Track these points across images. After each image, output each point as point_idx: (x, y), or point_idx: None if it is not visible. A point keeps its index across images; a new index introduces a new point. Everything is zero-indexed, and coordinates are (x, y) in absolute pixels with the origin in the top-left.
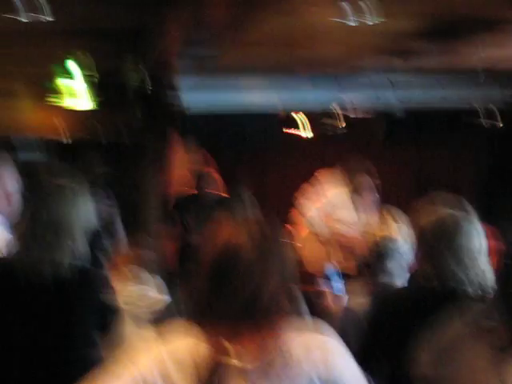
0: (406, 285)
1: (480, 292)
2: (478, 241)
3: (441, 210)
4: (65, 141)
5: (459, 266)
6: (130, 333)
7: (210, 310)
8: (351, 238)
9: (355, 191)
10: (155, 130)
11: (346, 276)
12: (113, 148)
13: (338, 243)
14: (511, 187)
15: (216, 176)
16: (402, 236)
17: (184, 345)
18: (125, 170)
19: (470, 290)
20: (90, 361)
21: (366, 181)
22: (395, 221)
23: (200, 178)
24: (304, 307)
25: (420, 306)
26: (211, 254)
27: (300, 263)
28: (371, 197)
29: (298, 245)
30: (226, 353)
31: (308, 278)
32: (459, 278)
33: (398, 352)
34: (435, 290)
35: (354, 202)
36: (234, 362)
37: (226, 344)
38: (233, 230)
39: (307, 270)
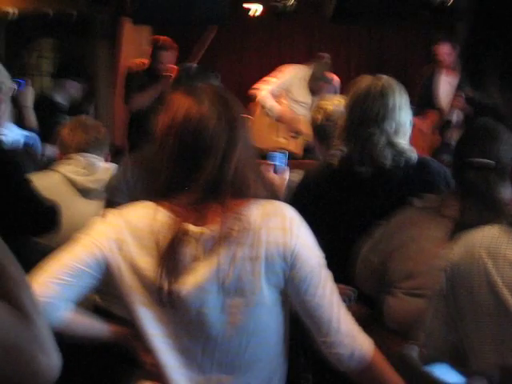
0: None
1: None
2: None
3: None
4: (11, 12)
5: (388, 143)
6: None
7: (170, 185)
8: (301, 117)
9: (315, 78)
10: (102, 1)
11: (291, 155)
12: (61, 20)
13: (288, 121)
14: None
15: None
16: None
17: (140, 212)
18: (73, 42)
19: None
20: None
21: (325, 73)
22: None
23: (156, 53)
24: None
25: (345, 187)
26: (171, 128)
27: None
28: (329, 87)
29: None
30: (184, 219)
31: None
32: (386, 156)
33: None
34: (363, 172)
35: (311, 86)
36: (192, 227)
37: (185, 211)
38: (193, 99)
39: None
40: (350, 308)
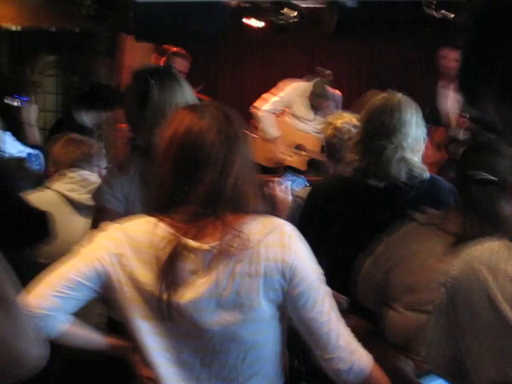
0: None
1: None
2: (420, 129)
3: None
4: (13, 28)
5: (400, 159)
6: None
7: (171, 198)
8: (303, 134)
9: (315, 95)
10: (104, 18)
11: (296, 171)
12: (62, 36)
13: (291, 138)
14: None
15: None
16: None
17: (140, 226)
18: (74, 58)
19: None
20: None
21: (327, 89)
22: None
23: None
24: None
25: (356, 198)
26: (173, 141)
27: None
28: (330, 104)
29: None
30: (183, 234)
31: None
32: (399, 173)
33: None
34: (376, 186)
35: (312, 103)
36: (191, 242)
37: (184, 226)
38: (195, 114)
39: (258, 162)
40: (349, 322)
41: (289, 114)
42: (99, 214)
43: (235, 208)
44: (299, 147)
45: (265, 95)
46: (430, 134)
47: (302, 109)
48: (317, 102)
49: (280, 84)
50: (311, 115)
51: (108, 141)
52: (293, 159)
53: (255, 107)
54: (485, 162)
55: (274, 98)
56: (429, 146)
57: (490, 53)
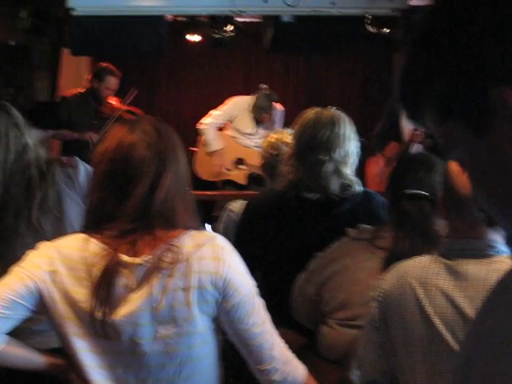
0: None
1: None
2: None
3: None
4: None
5: (335, 172)
6: None
7: (101, 213)
8: (244, 148)
9: (257, 108)
10: (40, 31)
11: (236, 185)
12: None
13: (232, 152)
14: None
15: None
16: None
17: (72, 243)
18: (10, 72)
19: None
20: None
21: (270, 102)
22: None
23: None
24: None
25: (290, 211)
26: (104, 155)
27: (195, 169)
28: (273, 117)
29: (194, 149)
30: (116, 250)
31: (200, 184)
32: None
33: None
34: (310, 198)
35: (254, 116)
36: (125, 258)
37: (117, 242)
38: (127, 129)
39: (198, 174)
40: (284, 336)
41: (231, 128)
42: None
43: (165, 223)
44: (240, 161)
45: (211, 111)
46: (381, 148)
47: (245, 123)
48: (259, 115)
49: (226, 100)
50: (254, 129)
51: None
52: (234, 173)
53: (200, 122)
54: (417, 177)
55: (216, 112)
56: (381, 160)
57: (430, 63)
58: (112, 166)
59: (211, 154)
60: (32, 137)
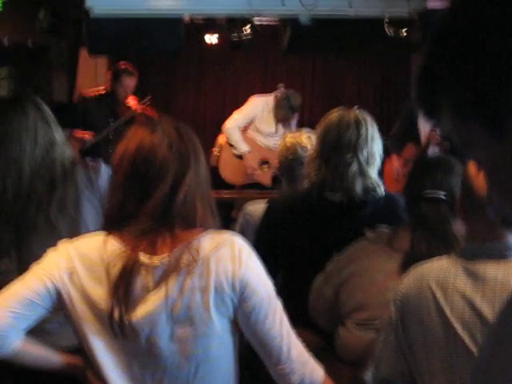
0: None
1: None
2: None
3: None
4: None
5: (360, 173)
6: None
7: (122, 213)
8: (267, 149)
9: (277, 108)
10: (59, 31)
11: (261, 187)
12: (16, 49)
13: (256, 154)
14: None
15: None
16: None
17: (91, 243)
18: (28, 72)
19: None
20: None
21: (292, 102)
22: (308, 134)
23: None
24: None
25: (313, 212)
26: (124, 156)
27: (217, 171)
28: (293, 118)
29: (216, 153)
30: (134, 249)
31: (223, 185)
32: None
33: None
34: (333, 199)
35: (275, 117)
36: (142, 258)
37: (135, 241)
38: (148, 130)
39: (224, 177)
40: (302, 337)
41: (251, 129)
42: None
43: (185, 223)
44: (265, 162)
45: (234, 112)
46: (399, 149)
47: (265, 122)
48: (281, 114)
49: (248, 100)
50: (274, 129)
51: None
52: (259, 174)
53: (224, 124)
54: (434, 178)
55: (238, 114)
56: (398, 161)
57: (445, 64)
58: (133, 167)
59: (241, 156)
60: (60, 134)
